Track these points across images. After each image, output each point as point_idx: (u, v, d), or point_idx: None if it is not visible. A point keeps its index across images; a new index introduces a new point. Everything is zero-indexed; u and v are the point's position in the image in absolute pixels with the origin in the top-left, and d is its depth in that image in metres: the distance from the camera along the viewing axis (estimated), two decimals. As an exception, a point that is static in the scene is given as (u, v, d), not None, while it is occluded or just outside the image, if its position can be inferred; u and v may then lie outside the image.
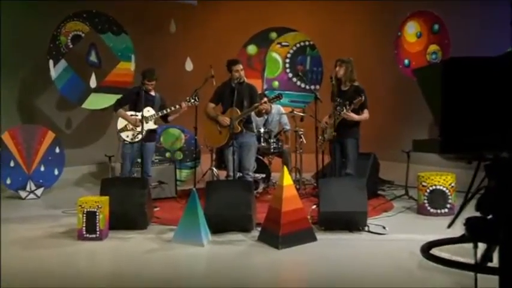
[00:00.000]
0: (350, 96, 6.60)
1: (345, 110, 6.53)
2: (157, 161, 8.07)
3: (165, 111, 7.07)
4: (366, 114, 6.67)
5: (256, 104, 6.78)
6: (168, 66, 9.92)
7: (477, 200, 2.76)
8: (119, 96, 7.62)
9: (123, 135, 7.03)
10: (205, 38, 10.26)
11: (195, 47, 10.18)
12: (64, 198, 7.79)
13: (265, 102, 6.84)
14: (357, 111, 6.60)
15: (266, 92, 9.66)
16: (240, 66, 6.92)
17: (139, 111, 6.94)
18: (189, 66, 9.98)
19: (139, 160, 7.15)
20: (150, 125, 7.06)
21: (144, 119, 6.92)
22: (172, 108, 7.12)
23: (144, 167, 7.05)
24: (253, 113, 7.06)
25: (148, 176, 7.01)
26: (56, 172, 8.40)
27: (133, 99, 7.11)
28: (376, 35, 9.73)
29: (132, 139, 7.00)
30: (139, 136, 6.89)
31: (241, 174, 6.97)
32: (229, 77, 6.99)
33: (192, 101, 7.16)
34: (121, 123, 7.08)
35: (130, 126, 7.03)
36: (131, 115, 7.07)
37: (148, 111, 7.06)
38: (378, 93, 8.55)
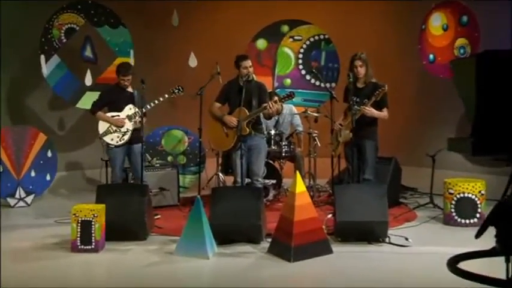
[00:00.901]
0: (368, 94, 6.58)
1: (361, 108, 6.50)
2: (158, 165, 8.07)
3: (148, 106, 7.07)
4: (385, 113, 6.66)
5: (265, 104, 6.76)
6: (170, 63, 9.94)
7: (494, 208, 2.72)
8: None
9: (107, 139, 7.05)
10: (211, 31, 10.27)
11: (199, 41, 10.20)
12: (56, 207, 7.80)
13: (275, 102, 6.81)
14: (376, 109, 6.57)
15: (277, 91, 9.64)
16: (249, 63, 6.92)
17: (120, 111, 6.99)
18: (193, 62, 10.00)
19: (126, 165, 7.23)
20: (135, 124, 7.08)
21: (128, 118, 6.97)
22: (156, 102, 7.14)
23: (137, 172, 7.07)
24: (262, 114, 7.03)
25: (145, 182, 7.00)
26: (48, 177, 8.42)
27: (111, 99, 7.15)
28: (397, 28, 9.69)
29: (118, 141, 7.03)
30: (126, 137, 6.94)
31: (249, 180, 6.96)
32: (237, 75, 6.99)
33: (176, 91, 7.22)
34: (102, 126, 7.11)
35: (114, 128, 7.05)
36: (112, 116, 7.09)
37: (131, 109, 7.12)
38: (400, 91, 8.52)
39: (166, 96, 7.20)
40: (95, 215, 5.66)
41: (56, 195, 8.61)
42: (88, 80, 9.27)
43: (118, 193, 6.15)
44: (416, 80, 9.46)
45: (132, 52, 9.69)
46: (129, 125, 7.05)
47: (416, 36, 9.38)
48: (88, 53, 9.40)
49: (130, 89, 7.19)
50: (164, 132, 8.82)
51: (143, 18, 9.84)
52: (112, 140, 7.05)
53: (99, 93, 7.46)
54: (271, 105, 6.71)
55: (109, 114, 7.11)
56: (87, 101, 9.07)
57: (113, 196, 6.08)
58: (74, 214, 5.66)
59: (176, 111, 9.72)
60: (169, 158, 8.77)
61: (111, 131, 7.04)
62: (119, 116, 7.07)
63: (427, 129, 9.09)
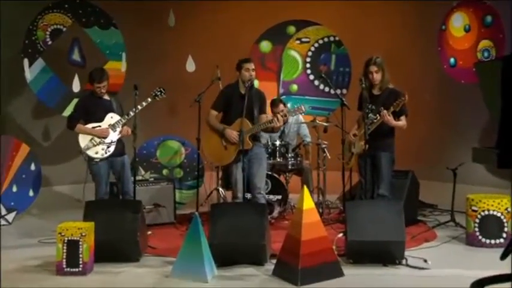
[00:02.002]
0: (385, 102, 6.59)
1: (380, 117, 6.50)
2: (152, 179, 8.09)
3: (131, 113, 7.03)
4: (404, 122, 6.67)
5: (269, 118, 6.75)
6: (166, 67, 9.97)
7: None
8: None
9: (91, 152, 7.03)
10: (211, 32, 10.31)
11: (198, 43, 10.24)
12: (41, 225, 7.80)
13: (284, 116, 6.83)
14: (393, 118, 6.58)
15: (283, 98, 9.66)
16: (252, 65, 6.93)
17: (100, 121, 7.02)
18: (190, 66, 10.04)
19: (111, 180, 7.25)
20: (116, 134, 7.10)
21: (111, 128, 7.00)
22: (139, 108, 7.11)
23: (125, 188, 7.11)
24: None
25: (131, 197, 7.05)
26: (31, 193, 8.43)
27: (88, 109, 7.14)
28: (415, 29, 9.72)
29: (103, 154, 7.03)
30: (111, 149, 6.96)
31: (250, 194, 6.99)
32: (236, 79, 6.99)
33: (158, 93, 7.23)
34: (83, 140, 7.07)
35: (97, 140, 7.05)
36: (93, 127, 7.10)
37: (112, 117, 7.12)
38: (418, 98, 8.51)
39: (149, 100, 7.19)
40: (83, 234, 5.66)
41: (40, 212, 8.60)
42: (76, 86, 9.31)
43: (108, 210, 6.16)
44: (435, 85, 9.48)
45: (124, 55, 9.74)
46: (113, 136, 7.05)
47: (436, 37, 9.41)
48: (76, 56, 9.45)
49: (107, 97, 7.21)
50: (159, 143, 8.83)
51: (136, 19, 9.88)
52: (97, 153, 7.02)
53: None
54: (279, 119, 6.71)
55: (89, 126, 7.10)
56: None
57: (103, 213, 6.09)
58: (60, 233, 5.67)
59: (172, 119, 9.76)
60: (165, 172, 8.78)
61: (95, 143, 7.03)
62: (100, 126, 7.07)
63: (448, 140, 9.11)
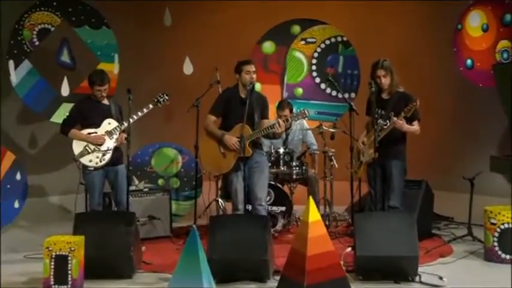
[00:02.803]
0: (395, 106, 6.60)
1: (391, 123, 6.51)
2: (147, 190, 8.11)
3: (131, 120, 7.00)
4: (417, 127, 6.67)
5: (273, 121, 6.74)
6: (162, 69, 9.99)
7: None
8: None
9: (85, 160, 7.03)
10: (209, 33, 10.32)
11: (196, 44, 10.26)
12: (27, 238, 7.81)
13: (286, 121, 6.83)
14: (406, 122, 6.58)
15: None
16: (253, 67, 6.92)
17: (97, 127, 7.01)
18: (188, 68, 10.06)
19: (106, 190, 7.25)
20: (116, 141, 7.09)
21: (108, 134, 6.99)
22: (140, 114, 7.12)
23: (118, 198, 7.10)
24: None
25: (124, 208, 7.04)
26: (17, 205, 8.43)
27: (84, 113, 7.14)
28: (429, 28, 9.71)
29: (98, 162, 7.02)
30: (107, 157, 6.95)
31: (251, 206, 6.99)
32: (236, 83, 6.99)
33: (161, 100, 7.24)
34: (77, 146, 7.06)
35: (92, 147, 7.04)
36: (88, 133, 7.11)
37: (110, 123, 7.11)
38: (432, 102, 8.54)
39: (151, 106, 7.20)
40: (72, 248, 5.66)
41: (28, 225, 8.61)
42: (65, 90, 9.32)
43: (100, 222, 6.17)
44: (451, 88, 9.47)
45: (116, 57, 9.76)
46: (109, 143, 7.04)
47: (451, 38, 9.41)
48: (65, 57, 9.46)
49: (106, 101, 7.22)
50: (154, 150, 8.85)
51: (130, 18, 9.90)
52: (91, 161, 7.02)
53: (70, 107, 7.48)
54: (281, 124, 6.70)
55: (84, 132, 7.12)
56: (63, 114, 9.10)
57: (94, 226, 6.10)
58: (47, 248, 5.66)
59: (168, 125, 9.77)
60: (160, 181, 8.78)
61: (89, 150, 7.02)
62: (96, 132, 7.07)
63: (465, 148, 9.09)
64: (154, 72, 9.89)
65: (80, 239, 5.80)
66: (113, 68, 9.68)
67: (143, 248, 6.89)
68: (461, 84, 9.26)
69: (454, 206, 8.36)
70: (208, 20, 10.34)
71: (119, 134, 7.07)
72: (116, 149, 7.11)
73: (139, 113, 7.09)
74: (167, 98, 7.27)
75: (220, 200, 8.18)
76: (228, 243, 5.85)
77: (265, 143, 7.58)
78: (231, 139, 6.85)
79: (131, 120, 6.97)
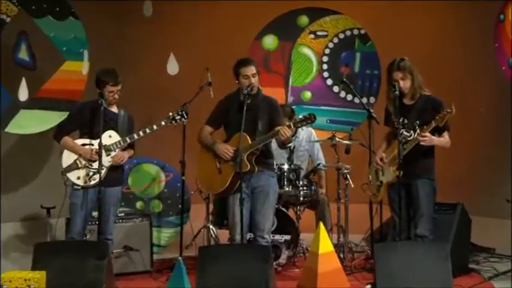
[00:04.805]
0: (421, 113, 6.60)
1: (416, 134, 6.51)
2: (122, 215, 8.09)
3: (136, 136, 7.03)
4: (447, 138, 6.66)
5: (276, 129, 6.72)
6: (141, 68, 10.00)
7: None
8: (63, 114, 7.65)
9: (72, 176, 6.99)
10: (199, 25, 10.35)
11: (182, 39, 10.30)
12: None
13: (289, 127, 6.81)
14: (432, 134, 6.57)
15: (293, 107, 9.65)
16: (252, 69, 6.89)
17: (96, 138, 6.97)
18: (172, 67, 10.09)
19: (94, 214, 7.18)
20: (108, 159, 7.02)
21: (105, 150, 6.92)
22: (148, 131, 7.09)
23: (103, 225, 7.03)
24: (274, 142, 7.05)
25: (109, 240, 7.02)
26: (-34, 232, 8.44)
27: (85, 120, 7.11)
28: (463, 20, 9.72)
29: (86, 182, 6.99)
30: (97, 177, 6.89)
31: (251, 235, 6.99)
32: (238, 87, 7.00)
33: (178, 118, 7.18)
34: (68, 158, 7.02)
35: (83, 163, 7.00)
36: (83, 144, 7.09)
37: (110, 136, 7.03)
38: (468, 109, 8.55)
39: (163, 123, 7.11)
40: (31, 286, 5.66)
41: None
42: (23, 94, 9.30)
43: (65, 254, 6.14)
44: (491, 92, 9.47)
45: (86, 53, 9.75)
46: (104, 160, 6.95)
47: (492, 31, 9.45)
48: (23, 55, 9.45)
49: (115, 109, 7.16)
50: (131, 167, 8.83)
51: (102, 7, 9.88)
52: (78, 178, 6.94)
53: (42, 111, 7.45)
54: (285, 132, 6.67)
55: (79, 142, 7.08)
56: (22, 123, 9.12)
57: (58, 259, 6.07)
58: (1, 286, 5.67)
59: (148, 137, 9.73)
60: (139, 205, 8.79)
61: (79, 165, 6.97)
62: (92, 145, 7.01)
63: (507, 164, 9.07)
64: (132, 72, 9.84)
65: (41, 275, 5.76)
66: (81, 68, 9.67)
67: (118, 286, 6.88)
68: (503, 88, 9.23)
69: (496, 234, 8.38)
70: (198, 9, 10.35)
71: (118, 150, 7.03)
72: (116, 168, 7.06)
73: (148, 130, 7.03)
74: (186, 117, 7.16)
75: (211, 227, 8.20)
76: (221, 280, 5.85)
77: (275, 155, 7.53)
78: (224, 147, 6.86)
79: (135, 136, 6.99)
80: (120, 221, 7.91)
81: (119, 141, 7.02)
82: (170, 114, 7.15)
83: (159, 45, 10.20)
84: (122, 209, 8.29)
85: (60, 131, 7.18)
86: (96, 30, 9.83)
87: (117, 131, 7.08)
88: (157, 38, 10.25)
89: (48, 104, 9.23)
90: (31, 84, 9.31)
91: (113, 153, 6.98)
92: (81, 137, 7.11)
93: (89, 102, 7.24)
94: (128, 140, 7.01)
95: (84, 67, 9.73)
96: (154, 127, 7.09)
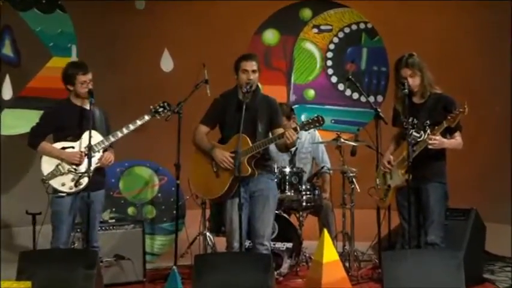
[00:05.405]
0: (431, 113, 6.59)
1: (425, 135, 6.50)
2: (113, 221, 8.10)
3: (120, 134, 6.98)
4: (458, 140, 6.64)
5: (279, 133, 6.71)
6: (133, 65, 10.00)
7: None
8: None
9: (55, 183, 6.93)
10: (195, 19, 10.35)
11: (177, 33, 10.30)
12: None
13: (295, 130, 6.80)
14: (443, 134, 6.56)
15: (294, 107, 9.66)
16: (253, 65, 6.86)
17: (75, 140, 6.99)
18: (167, 64, 10.09)
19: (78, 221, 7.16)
20: (94, 161, 6.96)
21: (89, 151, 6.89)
22: (132, 128, 7.04)
23: (90, 232, 7.03)
24: (273, 146, 7.04)
25: (96, 248, 6.99)
26: None
27: (60, 122, 7.02)
28: (476, 14, 9.73)
29: (72, 187, 6.96)
30: (84, 180, 6.87)
31: (251, 243, 7.00)
32: (235, 85, 6.99)
33: (161, 110, 7.17)
34: (48, 164, 6.95)
35: (66, 167, 6.96)
36: (63, 148, 7.05)
37: (92, 137, 6.91)
38: (483, 110, 8.55)
39: (146, 118, 7.10)
40: (17, 297, 5.68)
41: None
42: (7, 92, 9.31)
43: (52, 264, 6.12)
44: (506, 90, 9.47)
45: (74, 49, 9.76)
46: (91, 162, 6.92)
47: (506, 27, 9.43)
48: (7, 50, 9.47)
49: (87, 106, 7.08)
50: (123, 170, 8.87)
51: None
52: (63, 185, 6.89)
53: (28, 111, 7.41)
54: (291, 135, 6.65)
55: (58, 146, 7.03)
56: (5, 123, 9.11)
57: (44, 268, 6.05)
58: (-15, 296, 5.69)
59: (141, 138, 9.73)
60: (131, 210, 8.79)
61: (62, 171, 6.94)
62: (73, 148, 6.98)
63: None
64: (124, 68, 9.91)
65: (26, 286, 5.79)
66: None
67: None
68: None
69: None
70: (194, 1, 10.33)
71: (103, 151, 6.97)
72: (99, 170, 6.99)
73: (131, 126, 6.98)
74: (169, 108, 7.20)
75: (208, 234, 8.20)
76: (218, 290, 5.87)
77: (277, 158, 7.54)
78: (222, 154, 6.83)
79: (119, 134, 6.94)
80: (111, 228, 7.90)
81: (102, 141, 6.94)
82: (151, 107, 7.13)
83: (152, 40, 10.21)
84: (112, 215, 8.34)
85: (35, 136, 7.03)
86: (85, 24, 9.84)
87: (96, 130, 6.99)
88: (151, 32, 10.26)
89: (33, 102, 9.21)
90: (15, 82, 9.33)
91: (97, 154, 6.92)
92: (57, 140, 7.01)
93: (60, 103, 7.22)
94: (112, 139, 6.94)
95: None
96: (138, 122, 7.04)
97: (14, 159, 9.54)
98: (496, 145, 9.27)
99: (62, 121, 7.00)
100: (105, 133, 6.97)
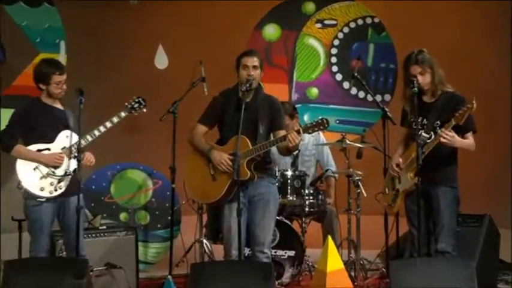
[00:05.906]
0: (442, 112, 6.57)
1: (438, 134, 6.47)
2: (104, 228, 8.08)
3: (97, 133, 6.93)
4: (471, 140, 6.60)
5: (281, 135, 6.69)
6: (126, 62, 10.00)
7: None
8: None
9: (34, 188, 6.88)
10: (191, 13, 10.35)
11: (172, 28, 10.30)
12: None
13: (298, 132, 6.77)
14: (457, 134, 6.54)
15: (297, 106, 9.65)
16: (254, 60, 6.79)
17: (50, 141, 6.94)
18: (161, 61, 10.09)
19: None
20: (73, 162, 6.92)
21: (66, 153, 6.84)
22: (109, 125, 7.00)
23: (71, 238, 7.01)
24: (274, 148, 7.01)
25: (81, 256, 6.96)
26: None
27: (33, 122, 6.96)
28: (488, 9, 9.72)
29: (52, 191, 6.93)
30: (64, 184, 6.84)
31: (250, 250, 6.98)
32: (236, 83, 6.97)
33: (136, 106, 7.14)
34: (24, 168, 6.88)
35: (45, 170, 6.95)
36: (38, 150, 6.98)
37: (68, 136, 6.95)
38: (496, 109, 8.55)
39: (123, 114, 7.11)
40: (1, 309, 5.66)
41: None
42: (-9, 91, 9.35)
43: (38, 274, 6.11)
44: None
45: (63, 45, 9.75)
46: (69, 164, 6.88)
47: (510, 26, 9.43)
48: (-10, 47, 9.50)
49: (59, 106, 7.08)
50: (115, 173, 8.86)
51: (83, -8, 9.94)
52: (42, 189, 6.86)
53: (4, 111, 7.37)
54: (293, 138, 6.62)
55: (33, 148, 6.99)
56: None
57: (31, 278, 6.03)
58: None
59: (134, 139, 9.76)
60: (123, 216, 8.79)
61: (41, 175, 6.92)
62: (49, 149, 6.96)
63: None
64: (115, 65, 9.90)
65: (11, 297, 5.79)
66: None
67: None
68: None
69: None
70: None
71: (82, 152, 6.91)
72: (74, 173, 6.94)
73: (108, 124, 6.94)
74: (144, 103, 7.18)
75: (205, 241, 8.19)
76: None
77: (278, 162, 7.52)
78: (220, 156, 6.80)
79: (96, 132, 6.90)
80: (102, 235, 7.85)
81: (79, 141, 6.85)
82: (126, 103, 7.12)
83: (145, 36, 10.20)
84: (103, 222, 8.30)
85: (9, 139, 6.92)
86: (74, 18, 9.83)
87: (70, 130, 6.98)
88: (144, 27, 10.25)
89: (20, 102, 9.18)
90: (0, 80, 9.31)
91: (76, 155, 6.89)
92: (28, 142, 6.93)
93: (30, 103, 7.14)
94: (90, 138, 6.90)
95: (60, 60, 9.69)
96: (115, 119, 7.01)
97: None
98: (507, 145, 9.25)
99: (33, 121, 6.95)
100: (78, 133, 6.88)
